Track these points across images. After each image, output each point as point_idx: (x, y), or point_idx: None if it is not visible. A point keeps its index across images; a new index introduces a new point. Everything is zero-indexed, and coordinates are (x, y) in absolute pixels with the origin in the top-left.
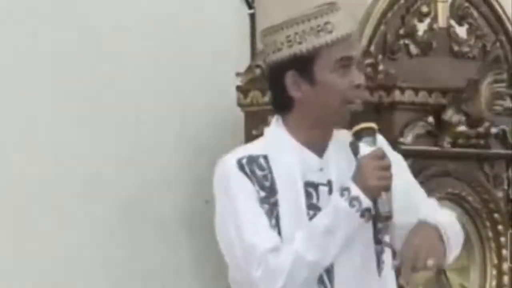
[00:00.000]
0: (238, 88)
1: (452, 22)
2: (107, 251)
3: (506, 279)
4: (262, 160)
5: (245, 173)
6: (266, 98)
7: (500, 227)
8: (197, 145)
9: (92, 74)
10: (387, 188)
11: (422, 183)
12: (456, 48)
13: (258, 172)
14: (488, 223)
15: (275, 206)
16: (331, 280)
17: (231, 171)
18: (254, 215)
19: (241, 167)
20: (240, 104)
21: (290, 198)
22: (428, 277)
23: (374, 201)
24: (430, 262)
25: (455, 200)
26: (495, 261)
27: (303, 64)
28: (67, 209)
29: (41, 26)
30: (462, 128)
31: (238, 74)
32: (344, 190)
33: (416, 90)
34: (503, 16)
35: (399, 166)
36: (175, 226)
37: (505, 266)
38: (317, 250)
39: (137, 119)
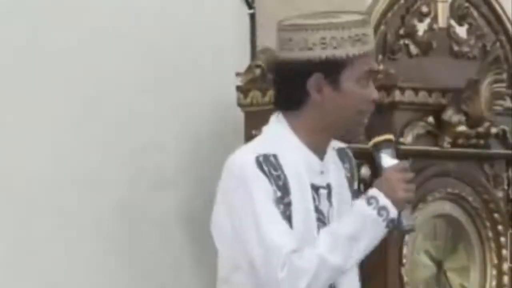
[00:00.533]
0: (238, 88)
1: (452, 22)
2: (107, 251)
3: (506, 279)
4: (273, 159)
5: (264, 172)
6: (266, 98)
7: (500, 227)
8: (197, 145)
9: (92, 74)
10: (411, 201)
11: (422, 183)
12: (456, 48)
13: (273, 171)
14: (488, 223)
15: (289, 207)
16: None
17: (250, 169)
18: (274, 216)
19: (259, 165)
20: (240, 104)
21: (300, 199)
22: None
23: (398, 213)
24: None
25: (455, 200)
26: (495, 261)
27: (333, 69)
28: (67, 209)
29: (41, 25)
30: (462, 128)
31: (238, 74)
32: (371, 198)
33: (416, 90)
34: (503, 16)
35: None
36: (175, 226)
37: (505, 266)
38: (341, 255)
39: (137, 119)
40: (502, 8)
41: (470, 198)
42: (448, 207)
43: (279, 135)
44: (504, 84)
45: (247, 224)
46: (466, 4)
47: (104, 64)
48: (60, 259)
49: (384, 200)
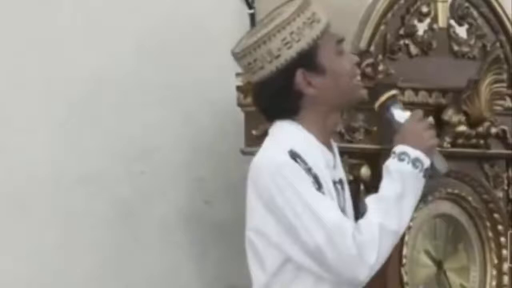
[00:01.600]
0: (238, 88)
1: (452, 22)
2: (107, 251)
3: (506, 279)
4: (300, 155)
5: (299, 165)
6: None
7: (500, 227)
8: (197, 145)
9: (92, 74)
10: (438, 145)
11: None
12: (456, 48)
13: (305, 165)
14: (488, 223)
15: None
16: None
17: (287, 162)
18: (324, 200)
19: (293, 159)
20: (240, 104)
21: (328, 193)
22: (428, 277)
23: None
24: None
25: (455, 200)
26: (495, 261)
27: (308, 59)
28: (67, 209)
29: (40, 24)
30: (462, 128)
31: (238, 74)
32: (401, 154)
33: (416, 90)
34: (503, 16)
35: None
36: (175, 226)
37: (505, 266)
38: (395, 218)
39: (137, 119)
40: (502, 8)
41: (470, 198)
42: (448, 207)
43: (294, 134)
44: (504, 84)
45: (299, 215)
46: (466, 4)
47: (104, 64)
48: (59, 259)
49: (415, 152)
